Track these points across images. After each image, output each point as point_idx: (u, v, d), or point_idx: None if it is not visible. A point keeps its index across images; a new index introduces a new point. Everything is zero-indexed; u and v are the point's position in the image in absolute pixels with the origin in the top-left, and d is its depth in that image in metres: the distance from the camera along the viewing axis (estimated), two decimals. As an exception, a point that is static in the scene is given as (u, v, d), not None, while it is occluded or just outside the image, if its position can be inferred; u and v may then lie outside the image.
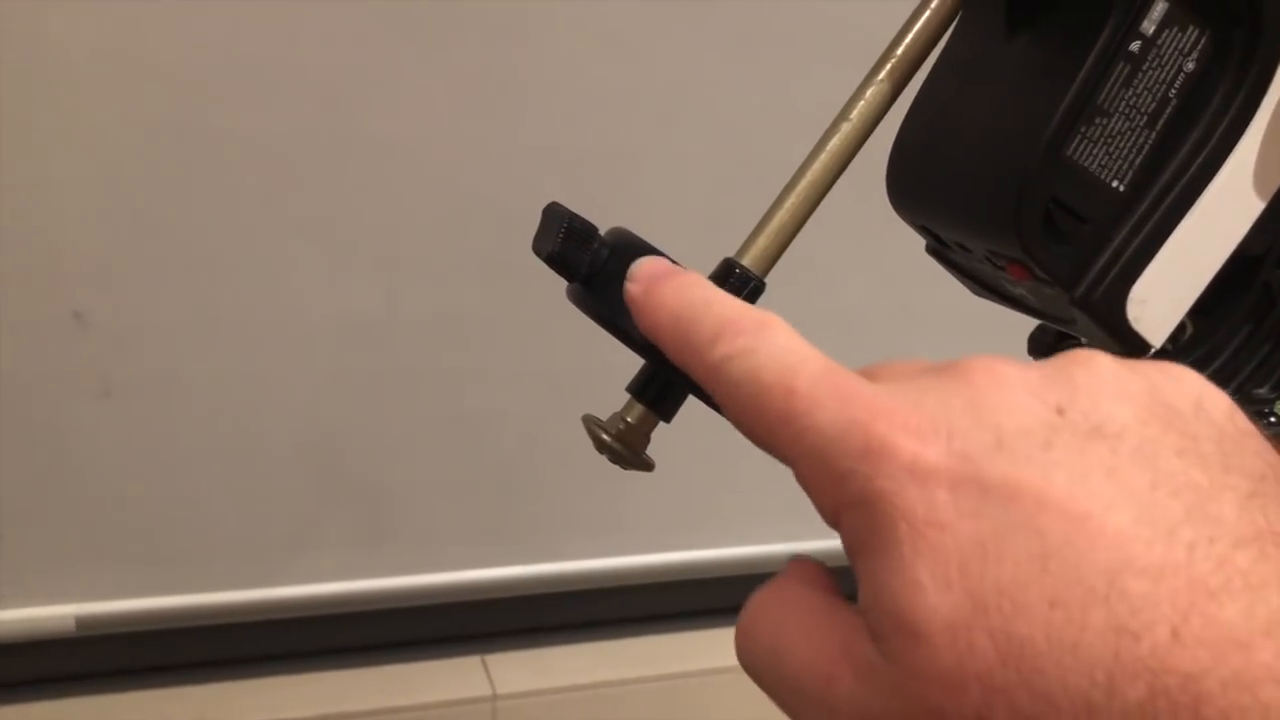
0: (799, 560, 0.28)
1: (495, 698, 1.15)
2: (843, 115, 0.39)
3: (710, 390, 0.28)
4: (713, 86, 1.11)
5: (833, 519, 0.25)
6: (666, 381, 0.38)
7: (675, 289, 0.30)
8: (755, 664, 0.27)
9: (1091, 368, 0.25)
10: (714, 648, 1.26)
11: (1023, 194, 0.38)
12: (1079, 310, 0.39)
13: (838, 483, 0.24)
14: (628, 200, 1.08)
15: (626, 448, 0.38)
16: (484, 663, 1.19)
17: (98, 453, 1.04)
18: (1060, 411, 0.24)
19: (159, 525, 1.08)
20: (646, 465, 0.38)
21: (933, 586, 0.22)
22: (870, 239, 0.92)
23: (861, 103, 0.39)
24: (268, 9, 0.98)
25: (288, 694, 1.12)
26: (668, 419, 0.38)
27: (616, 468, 0.39)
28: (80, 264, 1.00)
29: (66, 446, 1.03)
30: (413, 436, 1.13)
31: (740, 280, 0.39)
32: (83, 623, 1.06)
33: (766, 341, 0.26)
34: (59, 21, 0.94)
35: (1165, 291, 0.39)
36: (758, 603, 0.27)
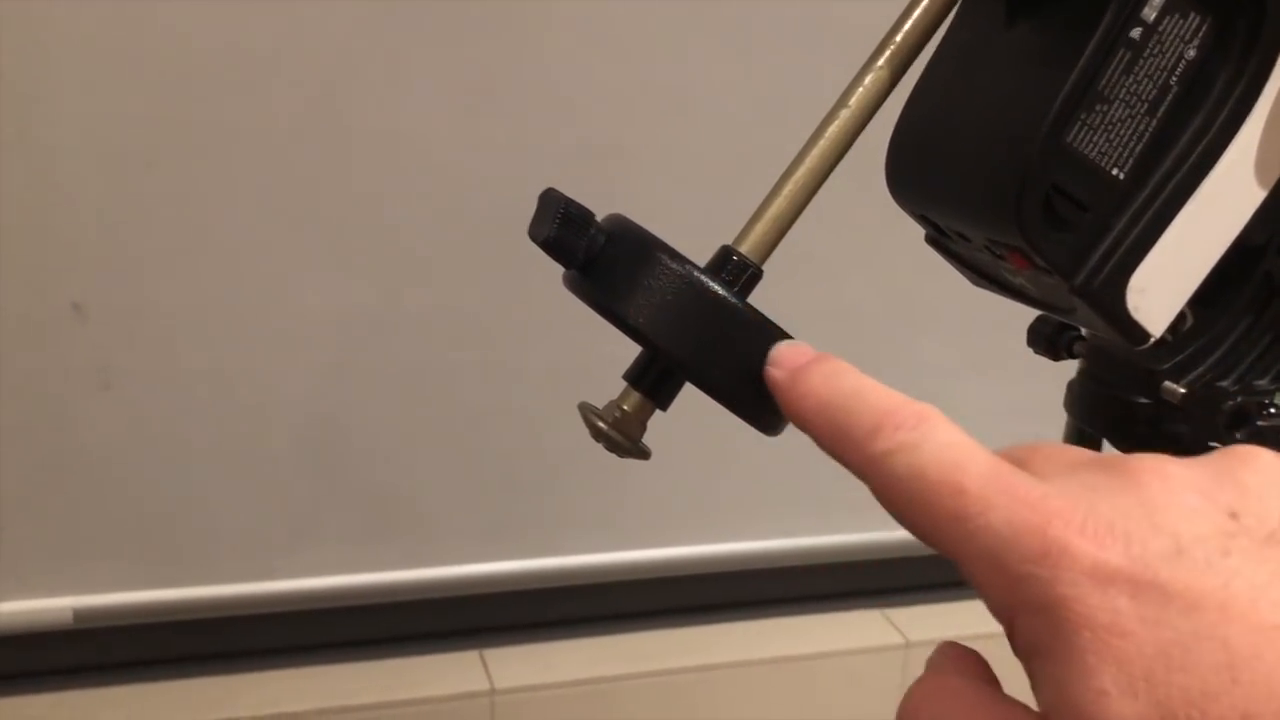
0: (956, 649, 0.28)
1: (493, 692, 1.15)
2: (841, 102, 0.39)
3: (867, 482, 0.27)
4: (711, 78, 1.10)
5: (1004, 618, 0.25)
6: (664, 369, 0.38)
7: (824, 377, 0.30)
8: None
9: (1257, 467, 0.25)
10: (712, 643, 1.26)
11: (1023, 181, 0.37)
12: (1079, 299, 0.39)
13: (1013, 585, 0.24)
14: (627, 191, 1.08)
15: (622, 435, 0.37)
16: (482, 657, 1.19)
17: (97, 445, 1.04)
18: (1233, 516, 0.24)
19: (158, 518, 1.07)
20: (643, 453, 0.38)
21: (1118, 694, 0.22)
22: (869, 232, 0.92)
23: (860, 89, 0.39)
24: (267, 3, 0.98)
25: (286, 688, 1.12)
26: (664, 407, 0.38)
27: (616, 463, 0.39)
28: (79, 256, 1.00)
29: (65, 439, 1.03)
30: (412, 431, 1.12)
31: (738, 267, 0.38)
32: (81, 615, 1.06)
33: (928, 436, 0.26)
34: (58, 13, 0.94)
35: (1165, 280, 0.39)
36: (921, 693, 0.27)
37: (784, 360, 0.32)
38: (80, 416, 1.03)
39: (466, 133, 1.05)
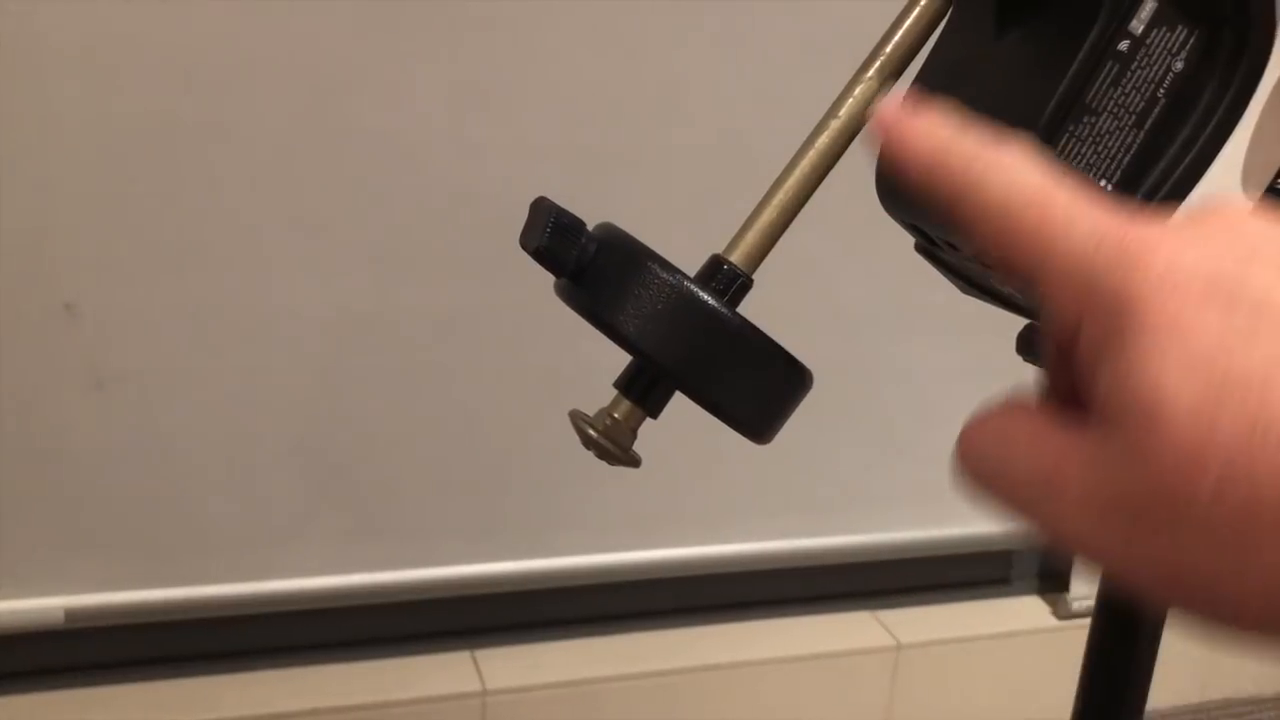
0: (1013, 394, 0.30)
1: (485, 693, 1.15)
2: (831, 112, 0.39)
3: (960, 209, 0.29)
4: (704, 84, 1.11)
5: (1073, 327, 0.26)
6: (653, 377, 0.38)
7: (927, 122, 0.31)
8: (980, 466, 0.28)
9: None
10: (703, 644, 1.26)
11: (1010, 192, 0.37)
12: (1066, 309, 0.39)
13: (1088, 289, 0.26)
14: (618, 197, 1.08)
15: (613, 443, 0.38)
16: (473, 658, 1.19)
17: (88, 445, 1.04)
18: None
19: (149, 518, 1.07)
20: (633, 461, 0.38)
21: (1178, 372, 0.23)
22: (862, 237, 0.92)
23: (850, 100, 0.39)
24: (260, 2, 0.98)
25: (277, 688, 1.12)
26: (655, 415, 0.38)
27: (606, 464, 0.39)
28: (72, 256, 0.99)
29: (57, 438, 1.03)
30: (403, 432, 1.13)
31: (728, 276, 0.39)
32: (72, 615, 1.06)
33: (1025, 165, 0.28)
34: (50, 14, 0.93)
35: (1152, 291, 0.39)
36: (979, 416, 0.29)
37: (888, 113, 0.33)
38: (72, 416, 1.03)
39: (459, 135, 1.06)
